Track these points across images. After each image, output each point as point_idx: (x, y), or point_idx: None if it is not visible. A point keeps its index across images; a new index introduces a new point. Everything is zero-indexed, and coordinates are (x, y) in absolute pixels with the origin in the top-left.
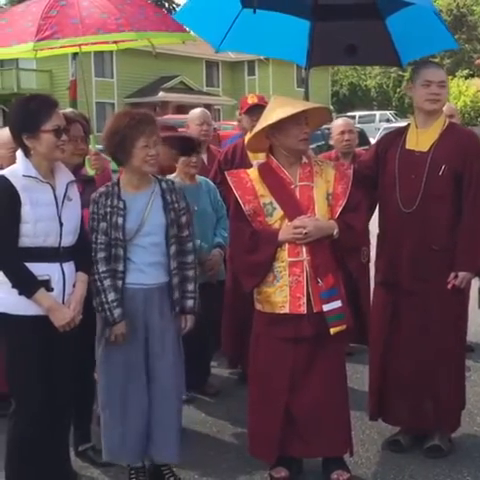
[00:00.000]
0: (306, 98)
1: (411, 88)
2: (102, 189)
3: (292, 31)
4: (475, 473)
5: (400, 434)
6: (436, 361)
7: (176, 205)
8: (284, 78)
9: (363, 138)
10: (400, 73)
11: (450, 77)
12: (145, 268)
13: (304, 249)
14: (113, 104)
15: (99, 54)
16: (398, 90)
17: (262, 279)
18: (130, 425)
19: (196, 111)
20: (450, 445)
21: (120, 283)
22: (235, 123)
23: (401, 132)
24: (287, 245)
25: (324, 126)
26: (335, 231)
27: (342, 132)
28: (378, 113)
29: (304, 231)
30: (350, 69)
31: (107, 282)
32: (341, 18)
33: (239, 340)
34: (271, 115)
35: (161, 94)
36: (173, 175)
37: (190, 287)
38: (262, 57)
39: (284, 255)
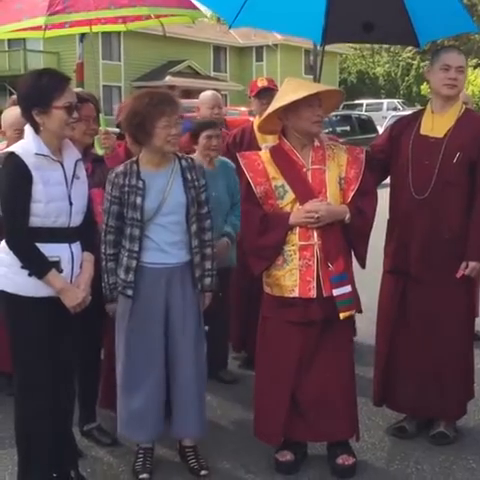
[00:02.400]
0: (318, 81)
1: (429, 71)
2: (120, 168)
3: (308, 7)
4: None
5: (405, 420)
6: (443, 349)
7: (196, 183)
8: (292, 64)
9: (371, 126)
10: (409, 62)
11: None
12: (166, 247)
13: (315, 233)
14: (120, 87)
15: (107, 37)
16: (406, 79)
17: (271, 262)
18: (148, 403)
19: (207, 94)
20: (455, 433)
21: (134, 263)
22: (242, 109)
23: (416, 116)
24: (298, 229)
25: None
26: (347, 216)
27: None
28: (386, 101)
29: (316, 215)
30: (358, 57)
31: (110, 265)
32: None
33: (244, 325)
34: (284, 97)
35: (168, 78)
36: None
37: (208, 265)
38: (270, 43)
39: (295, 239)
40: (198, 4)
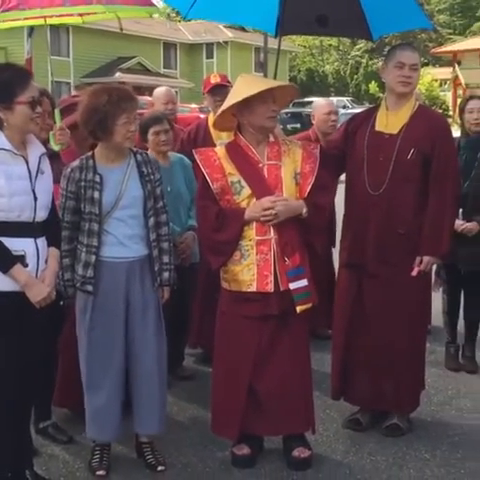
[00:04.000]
0: (274, 77)
1: (384, 69)
2: (75, 163)
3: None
4: (432, 451)
5: (359, 413)
6: (398, 343)
7: (152, 177)
8: (242, 62)
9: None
10: (357, 60)
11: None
12: (125, 241)
13: (272, 228)
14: (69, 83)
15: (55, 32)
16: (355, 77)
17: (228, 258)
18: (110, 401)
19: (161, 89)
20: (408, 424)
21: (94, 258)
22: (193, 105)
23: (371, 113)
24: (255, 224)
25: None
26: (304, 211)
27: (329, 112)
28: (335, 99)
29: (273, 212)
30: (308, 55)
31: (66, 261)
32: None
33: (200, 321)
34: (238, 93)
35: (118, 75)
36: None
37: (166, 259)
38: (221, 40)
39: (252, 234)
40: None
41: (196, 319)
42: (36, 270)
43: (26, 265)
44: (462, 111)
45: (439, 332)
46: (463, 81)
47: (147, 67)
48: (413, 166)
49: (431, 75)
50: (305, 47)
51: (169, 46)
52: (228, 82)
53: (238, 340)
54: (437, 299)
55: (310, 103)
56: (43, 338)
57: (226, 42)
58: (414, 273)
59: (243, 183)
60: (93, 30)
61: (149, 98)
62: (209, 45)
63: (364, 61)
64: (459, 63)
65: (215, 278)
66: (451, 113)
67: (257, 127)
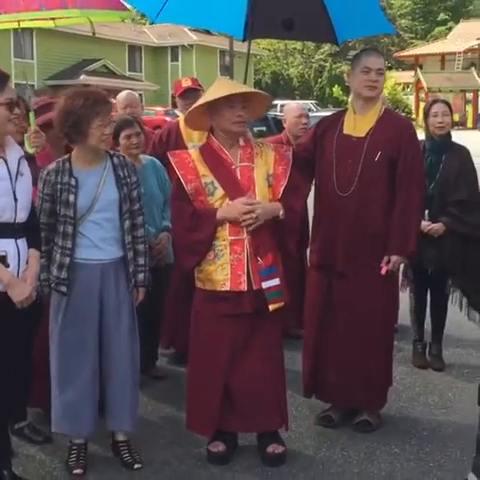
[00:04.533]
0: (244, 81)
1: (351, 74)
2: (52, 166)
3: (229, 3)
4: (402, 445)
5: (331, 410)
6: (367, 341)
7: (128, 180)
8: (208, 65)
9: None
10: (321, 64)
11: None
12: (100, 244)
13: (245, 228)
14: (33, 86)
15: (19, 34)
16: (319, 80)
17: (202, 258)
18: (83, 398)
19: (122, 94)
20: (378, 420)
21: (68, 260)
22: (158, 108)
23: (339, 117)
24: (228, 224)
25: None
26: (280, 213)
27: (300, 115)
28: (300, 102)
29: (254, 215)
30: (272, 58)
31: (42, 261)
32: None
33: (173, 321)
34: (208, 95)
35: (83, 77)
36: None
37: (141, 261)
38: (186, 43)
39: (225, 234)
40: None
41: (169, 319)
42: (17, 271)
43: (7, 265)
44: (426, 115)
45: (406, 330)
46: (425, 85)
47: (112, 70)
48: (380, 168)
49: (394, 79)
50: (270, 50)
51: (134, 49)
52: (199, 86)
53: (212, 339)
54: (404, 298)
55: (275, 106)
56: (22, 338)
57: (191, 45)
58: (383, 272)
59: (216, 184)
60: (57, 32)
61: (114, 101)
62: (174, 48)
63: (328, 65)
64: (421, 67)
65: (188, 278)
66: (414, 116)
67: (225, 130)
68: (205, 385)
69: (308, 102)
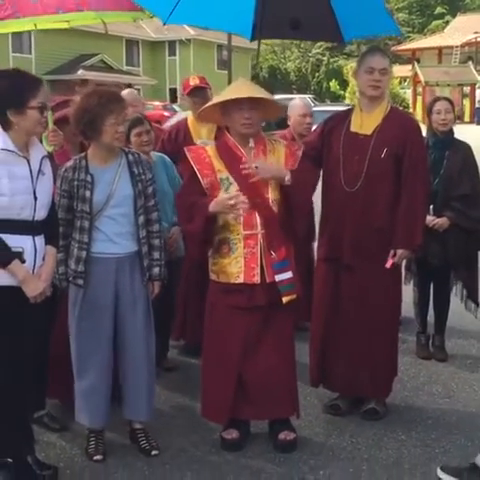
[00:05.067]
0: (229, 78)
1: (356, 73)
2: (69, 163)
3: (238, 4)
4: (408, 433)
5: (339, 399)
6: (373, 332)
7: (143, 177)
8: (205, 59)
9: (285, 121)
10: (319, 58)
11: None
12: (115, 238)
13: (259, 223)
14: None
15: None
16: (316, 74)
17: (204, 247)
18: (96, 388)
19: (122, 93)
20: (385, 408)
21: (84, 253)
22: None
23: (346, 114)
24: (242, 218)
25: None
26: (287, 177)
27: (304, 115)
28: (297, 97)
29: (254, 165)
30: (270, 52)
31: (60, 256)
32: None
33: (183, 313)
34: (221, 96)
35: (81, 72)
36: None
37: (156, 255)
38: (183, 38)
39: (239, 228)
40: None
41: (180, 312)
42: (33, 266)
43: (23, 261)
44: (430, 112)
45: (410, 323)
46: (422, 79)
47: (110, 64)
48: (386, 165)
49: (391, 73)
50: (267, 44)
51: (131, 43)
52: (207, 84)
53: (226, 330)
54: (408, 291)
55: None
56: (38, 332)
57: (188, 40)
58: (388, 265)
59: (231, 180)
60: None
61: None
62: (172, 43)
63: (325, 59)
64: (418, 61)
65: (199, 272)
66: (411, 110)
67: (234, 131)
68: (219, 374)
69: (306, 96)
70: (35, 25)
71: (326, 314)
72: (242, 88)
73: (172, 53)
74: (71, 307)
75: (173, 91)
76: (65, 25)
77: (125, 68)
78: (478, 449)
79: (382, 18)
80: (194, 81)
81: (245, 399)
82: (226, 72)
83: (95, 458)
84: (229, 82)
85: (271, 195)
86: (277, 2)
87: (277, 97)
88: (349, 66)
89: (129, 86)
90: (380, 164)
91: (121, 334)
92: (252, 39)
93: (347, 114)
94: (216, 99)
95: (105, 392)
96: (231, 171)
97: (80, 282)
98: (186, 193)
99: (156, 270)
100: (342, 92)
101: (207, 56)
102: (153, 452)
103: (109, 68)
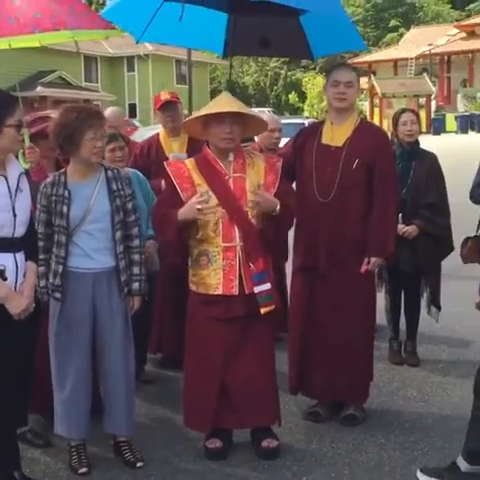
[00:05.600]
0: (190, 93)
1: (325, 87)
2: (49, 179)
3: (210, 23)
4: (387, 436)
5: (318, 406)
6: (350, 340)
7: (122, 192)
8: (164, 74)
9: None
10: (277, 71)
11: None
12: (92, 254)
13: (237, 235)
14: None
15: None
16: (275, 88)
17: (178, 256)
18: (74, 402)
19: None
20: (363, 414)
21: (61, 268)
22: None
23: (317, 127)
24: (221, 231)
25: None
26: (277, 207)
27: (272, 129)
28: (256, 110)
29: (257, 199)
30: (228, 67)
31: (41, 269)
32: (257, 12)
33: (160, 326)
34: (203, 110)
35: (39, 89)
36: None
37: (136, 270)
38: (141, 53)
39: (218, 240)
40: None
41: (156, 325)
42: (15, 283)
43: (5, 279)
44: (396, 124)
45: (383, 330)
46: (379, 90)
47: (68, 81)
48: (358, 175)
49: (358, 86)
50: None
51: (90, 59)
52: (177, 98)
53: (207, 340)
54: (380, 298)
55: None
56: (21, 347)
57: (147, 55)
58: (362, 270)
59: (210, 193)
60: None
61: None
62: (130, 58)
63: (283, 72)
64: (374, 73)
65: (175, 285)
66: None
67: (214, 145)
68: (201, 384)
69: (265, 109)
70: (9, 44)
71: (303, 323)
72: (224, 103)
73: (131, 69)
74: (50, 321)
75: (132, 106)
76: (36, 44)
77: (84, 84)
78: (455, 451)
79: (350, 35)
80: (165, 96)
81: (228, 408)
82: (185, 87)
83: (80, 471)
84: (190, 96)
85: (250, 204)
86: (248, 20)
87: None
88: (307, 79)
89: (87, 102)
90: (352, 175)
91: (100, 348)
92: (224, 56)
93: (318, 127)
94: (199, 113)
95: (84, 404)
96: (210, 185)
97: (57, 295)
98: (161, 205)
99: (136, 285)
100: (301, 105)
101: (166, 71)
102: (138, 464)
103: (68, 84)
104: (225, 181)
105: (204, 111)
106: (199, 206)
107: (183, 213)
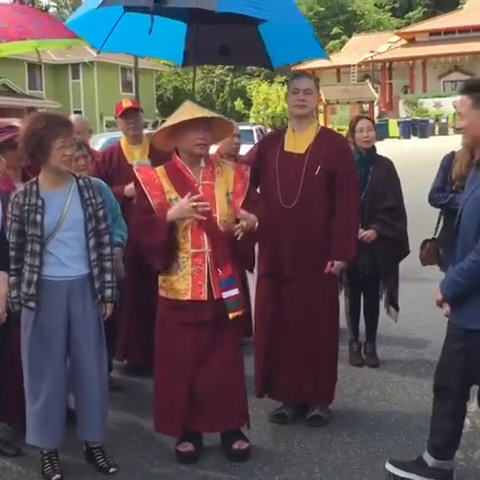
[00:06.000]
0: (137, 100)
1: (286, 97)
2: (21, 189)
3: (170, 33)
4: (353, 435)
5: (284, 407)
6: (315, 342)
7: (94, 200)
8: (109, 82)
9: None
10: (222, 78)
11: (268, 83)
12: (67, 262)
13: (206, 242)
14: None
15: None
16: (221, 95)
17: (164, 259)
18: (50, 410)
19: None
20: (329, 414)
21: (36, 277)
22: None
23: (280, 135)
24: (190, 237)
25: None
26: (256, 224)
27: (233, 135)
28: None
29: (244, 224)
30: (173, 73)
31: (13, 279)
32: (217, 22)
33: (126, 333)
34: (174, 118)
35: None
36: None
37: (108, 277)
38: (86, 60)
39: (187, 246)
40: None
41: (122, 333)
42: None
43: None
44: (353, 130)
45: (343, 333)
46: (323, 97)
47: (12, 88)
48: (320, 181)
49: (317, 94)
50: (170, 66)
51: (34, 67)
52: (137, 106)
53: (176, 345)
54: (340, 301)
55: None
56: None
57: (92, 62)
58: (326, 271)
59: (180, 200)
60: None
61: (15, 121)
62: (75, 65)
63: (229, 79)
64: (318, 80)
65: (139, 293)
66: None
67: (187, 151)
68: (171, 389)
69: None
70: None
71: (269, 327)
72: (194, 110)
73: (76, 76)
74: (23, 330)
75: (78, 114)
76: (5, 53)
77: (28, 92)
78: (418, 446)
79: (310, 44)
80: (126, 103)
81: (198, 412)
82: (131, 94)
83: (53, 478)
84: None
85: (219, 215)
86: (208, 30)
87: None
88: (252, 85)
89: (31, 109)
90: (315, 181)
91: (74, 355)
92: (184, 65)
93: (280, 135)
94: (168, 122)
95: (60, 412)
96: (180, 192)
97: (32, 305)
98: (139, 211)
99: (108, 292)
100: (246, 111)
101: (111, 78)
102: (111, 470)
103: (12, 92)
104: (194, 188)
105: (176, 119)
106: (194, 203)
107: (174, 213)
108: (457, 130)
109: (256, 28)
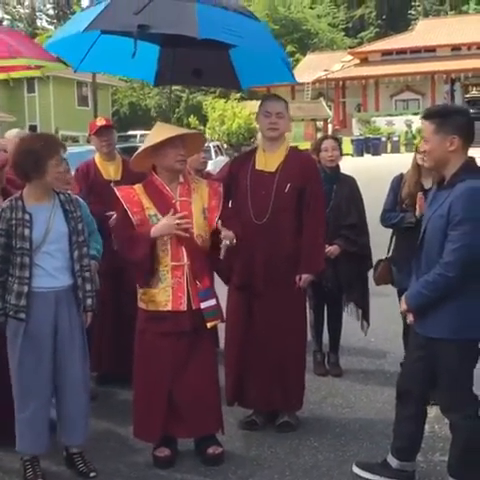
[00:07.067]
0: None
1: (257, 117)
2: (6, 204)
3: (144, 54)
4: (320, 440)
5: (254, 415)
6: (283, 353)
7: (75, 214)
8: (65, 96)
9: None
10: (178, 94)
11: (224, 100)
12: (54, 273)
13: (185, 255)
14: None
15: None
16: (176, 110)
17: (147, 275)
18: (38, 419)
19: (12, 132)
20: (297, 420)
21: (26, 288)
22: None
23: (250, 155)
24: (170, 251)
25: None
26: (234, 240)
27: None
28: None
29: (228, 242)
30: (129, 89)
31: None
32: (190, 46)
33: (99, 344)
34: (152, 139)
35: None
36: None
37: (88, 287)
38: (42, 74)
39: (167, 260)
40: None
41: (95, 343)
42: None
43: None
44: (318, 150)
45: (307, 344)
46: None
47: None
48: (290, 198)
49: (249, 108)
50: (126, 81)
51: None
52: (111, 124)
53: (155, 354)
54: None
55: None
56: None
57: (48, 77)
58: (296, 287)
59: (159, 216)
60: None
61: None
62: (30, 79)
63: (184, 95)
64: None
65: (113, 304)
66: None
67: (168, 168)
68: (150, 397)
69: None
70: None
71: (240, 338)
72: (170, 129)
73: (31, 90)
74: (12, 341)
75: (33, 128)
76: (5, 76)
77: None
78: (382, 450)
79: (279, 69)
80: (101, 122)
81: (175, 419)
82: (87, 108)
83: None
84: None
85: (195, 230)
86: (184, 53)
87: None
88: (208, 102)
89: None
90: (284, 198)
91: (60, 362)
92: (156, 85)
93: (251, 154)
94: (149, 143)
95: (46, 419)
96: (159, 208)
97: (22, 316)
98: (122, 227)
99: (89, 301)
100: (202, 127)
101: (67, 93)
102: (91, 474)
103: None
104: (172, 204)
105: (157, 139)
106: (178, 221)
107: (161, 230)
108: (408, 149)
109: (227, 51)
